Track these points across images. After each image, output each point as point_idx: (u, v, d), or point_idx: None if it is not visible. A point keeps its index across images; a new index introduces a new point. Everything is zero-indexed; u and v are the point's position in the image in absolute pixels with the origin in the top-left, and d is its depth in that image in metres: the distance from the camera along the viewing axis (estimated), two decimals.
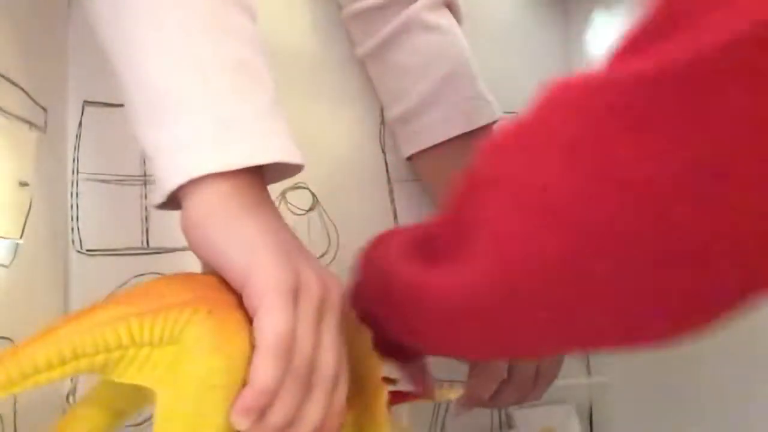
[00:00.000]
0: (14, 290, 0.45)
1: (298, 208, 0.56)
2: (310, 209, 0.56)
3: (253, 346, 0.30)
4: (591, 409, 0.62)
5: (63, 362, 0.28)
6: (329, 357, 0.32)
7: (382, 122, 0.60)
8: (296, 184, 0.56)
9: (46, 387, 0.47)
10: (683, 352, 0.53)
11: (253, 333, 0.30)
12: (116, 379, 0.29)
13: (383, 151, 0.60)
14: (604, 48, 0.61)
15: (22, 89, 0.47)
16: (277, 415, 0.30)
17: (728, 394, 0.47)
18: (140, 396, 0.30)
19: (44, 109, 0.49)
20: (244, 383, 0.29)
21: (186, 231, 0.33)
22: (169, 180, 0.33)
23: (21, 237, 0.45)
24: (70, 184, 0.51)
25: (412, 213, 0.60)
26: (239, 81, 0.34)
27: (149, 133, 0.34)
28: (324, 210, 0.56)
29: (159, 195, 0.34)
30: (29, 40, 0.48)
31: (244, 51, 0.35)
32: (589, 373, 0.62)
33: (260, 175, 0.35)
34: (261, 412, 0.29)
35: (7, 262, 0.44)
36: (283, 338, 0.29)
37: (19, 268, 0.45)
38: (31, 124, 0.48)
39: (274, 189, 0.56)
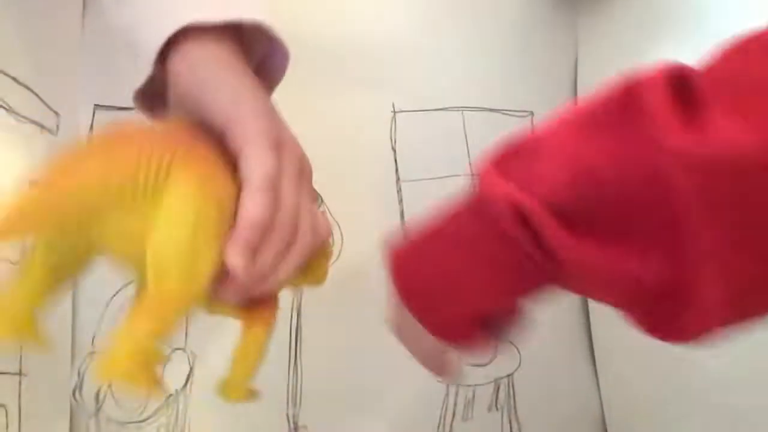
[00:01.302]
0: None
1: None
2: None
3: (234, 190, 0.30)
4: (604, 418, 0.60)
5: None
6: (308, 220, 0.32)
7: (394, 118, 0.60)
8: None
9: (51, 381, 0.49)
10: (693, 353, 0.51)
11: (240, 173, 0.30)
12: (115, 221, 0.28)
13: (393, 149, 0.60)
14: (613, 49, 0.60)
15: (34, 93, 0.49)
16: (264, 259, 0.30)
17: (736, 393, 0.45)
18: (83, 253, 0.30)
19: (56, 113, 0.51)
20: (230, 227, 0.29)
21: (176, 71, 0.33)
22: (157, 37, 0.32)
23: None
24: None
25: (418, 213, 0.59)
26: None
27: (130, 8, 0.34)
28: (328, 209, 0.57)
29: (147, 59, 0.33)
30: (42, 44, 0.51)
31: None
32: (597, 379, 0.60)
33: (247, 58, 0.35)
34: (254, 251, 0.29)
35: (15, 259, 0.46)
36: (270, 178, 0.30)
37: None
38: (42, 126, 0.50)
39: None
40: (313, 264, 0.35)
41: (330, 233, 0.35)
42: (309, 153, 0.60)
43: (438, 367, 0.37)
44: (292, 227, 0.31)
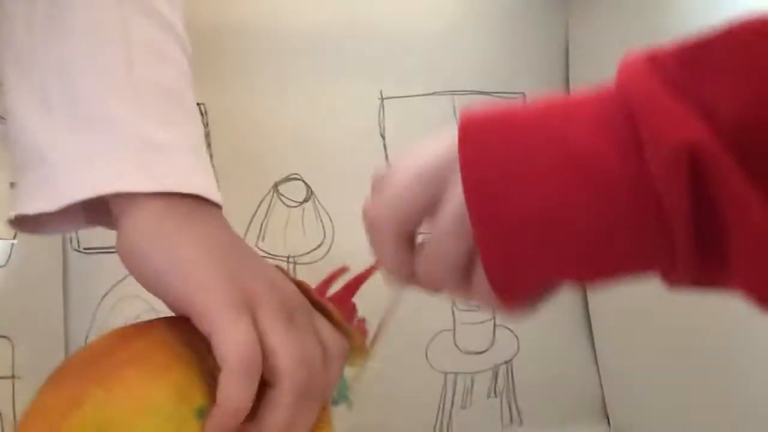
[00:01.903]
0: (11, 289, 0.47)
1: (292, 200, 0.56)
2: (304, 201, 0.56)
3: (199, 366, 0.29)
4: (604, 401, 0.60)
5: None
6: (319, 363, 0.31)
7: (381, 104, 0.59)
8: (289, 175, 0.56)
9: None
10: (694, 338, 0.51)
11: (215, 354, 0.29)
12: None
13: (382, 136, 0.59)
14: (605, 29, 0.58)
15: None
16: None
17: (738, 377, 0.45)
18: None
19: None
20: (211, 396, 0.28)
21: (123, 260, 0.32)
22: (79, 187, 0.31)
23: (15, 237, 0.47)
24: None
25: None
26: (171, 109, 0.34)
27: (70, 138, 0.32)
28: (318, 201, 0.56)
29: (55, 198, 0.31)
30: None
31: (178, 78, 0.35)
32: (597, 365, 0.60)
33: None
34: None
35: (2, 262, 0.46)
36: (243, 352, 0.28)
37: (14, 268, 0.47)
38: None
39: (267, 182, 0.57)
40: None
41: (344, 346, 0.33)
42: (296, 142, 0.60)
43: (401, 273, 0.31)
44: (308, 382, 0.30)
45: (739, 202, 0.20)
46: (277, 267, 0.36)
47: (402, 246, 0.29)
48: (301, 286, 0.35)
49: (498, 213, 0.24)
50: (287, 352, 0.29)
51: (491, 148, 0.24)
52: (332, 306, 0.35)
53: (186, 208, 0.32)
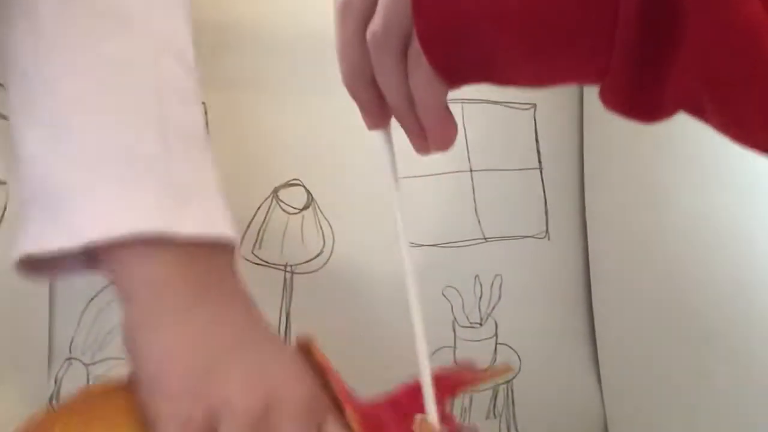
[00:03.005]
0: None
1: (292, 207, 0.54)
2: (304, 208, 0.54)
3: None
4: (606, 427, 0.59)
5: None
6: None
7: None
8: (289, 181, 0.54)
9: (26, 388, 0.48)
10: (701, 366, 0.49)
11: None
12: None
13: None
14: None
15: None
16: None
17: (746, 406, 0.44)
18: None
19: None
20: None
21: (121, 296, 0.31)
22: (96, 227, 0.29)
23: None
24: None
25: (414, 212, 0.57)
26: (195, 153, 0.34)
27: (91, 173, 0.30)
28: (319, 209, 0.55)
29: (77, 237, 0.29)
30: None
31: (200, 122, 0.35)
32: (599, 380, 0.59)
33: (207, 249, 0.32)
34: None
35: None
36: None
37: None
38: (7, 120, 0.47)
39: (267, 187, 0.55)
40: None
41: None
42: (299, 147, 0.58)
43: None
44: None
45: None
46: (304, 345, 0.35)
47: (403, 62, 0.28)
48: (326, 376, 0.34)
49: None
50: None
51: None
52: (349, 408, 0.33)
53: (199, 266, 0.31)
